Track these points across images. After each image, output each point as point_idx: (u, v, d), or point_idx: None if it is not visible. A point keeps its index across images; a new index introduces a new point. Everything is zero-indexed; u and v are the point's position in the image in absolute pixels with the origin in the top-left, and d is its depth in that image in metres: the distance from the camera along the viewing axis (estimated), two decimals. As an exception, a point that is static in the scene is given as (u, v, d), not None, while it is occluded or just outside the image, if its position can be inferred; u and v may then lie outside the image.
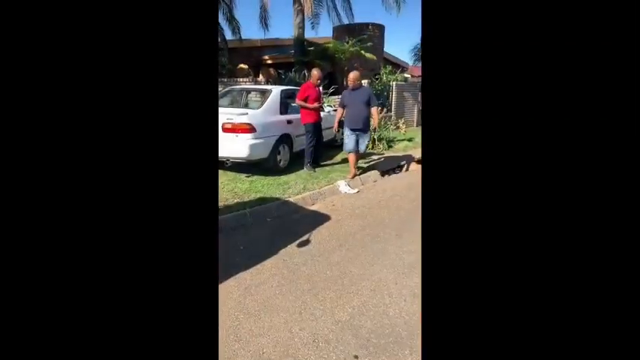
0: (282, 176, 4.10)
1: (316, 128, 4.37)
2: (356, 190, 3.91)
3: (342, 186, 3.94)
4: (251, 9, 24.45)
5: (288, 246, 2.54)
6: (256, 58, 10.72)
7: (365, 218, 3.13)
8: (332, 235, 2.74)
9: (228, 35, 8.67)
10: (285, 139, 4.25)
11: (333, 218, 3.11)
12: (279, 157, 4.20)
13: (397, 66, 11.00)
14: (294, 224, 2.99)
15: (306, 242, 2.62)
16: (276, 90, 4.39)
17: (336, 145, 5.99)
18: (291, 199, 3.40)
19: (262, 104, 4.11)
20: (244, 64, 9.62)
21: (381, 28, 10.87)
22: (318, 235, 2.75)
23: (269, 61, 10.62)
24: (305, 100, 4.23)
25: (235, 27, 8.50)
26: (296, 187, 3.72)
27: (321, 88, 7.58)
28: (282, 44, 10.85)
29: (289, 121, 4.35)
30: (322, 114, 5.21)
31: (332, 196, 3.77)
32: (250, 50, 10.52)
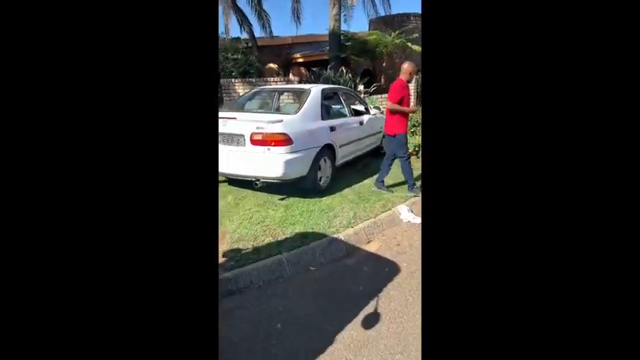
0: (324, 198, 3.23)
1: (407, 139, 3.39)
2: (422, 219, 2.96)
3: (405, 213, 3.01)
4: (277, 6, 23.85)
5: (349, 324, 1.67)
6: (285, 57, 9.97)
7: (450, 269, 2.19)
8: (410, 304, 1.83)
9: (257, 32, 7.98)
10: (326, 151, 3.38)
11: (403, 269, 2.20)
12: (320, 174, 3.34)
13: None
14: (349, 278, 2.11)
15: (375, 317, 1.73)
16: (315, 89, 3.53)
17: (384, 153, 5.05)
18: (341, 236, 2.53)
19: (300, 108, 3.26)
20: (273, 63, 8.90)
21: (423, 19, 9.75)
22: (388, 301, 1.85)
23: (300, 60, 9.82)
24: (400, 103, 3.19)
25: (265, 21, 7.77)
26: (344, 215, 2.85)
27: (362, 87, 6.73)
28: (314, 40, 10.03)
29: (332, 128, 3.48)
30: (367, 117, 4.34)
31: (392, 227, 2.85)
32: (280, 48, 9.80)
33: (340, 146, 3.62)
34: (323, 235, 2.51)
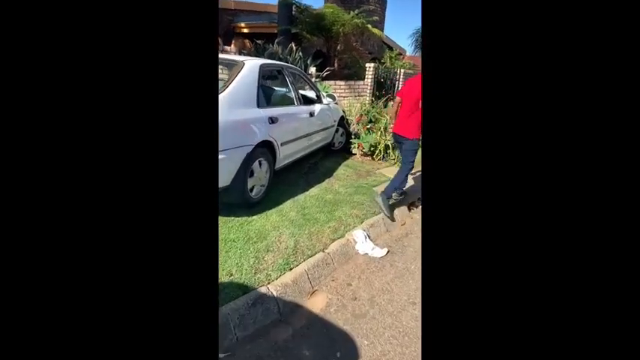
0: (255, 216, 2.35)
1: None
2: (385, 252, 2.26)
3: (361, 241, 2.27)
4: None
5: None
6: (227, 24, 8.52)
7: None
8: None
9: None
10: (262, 151, 2.47)
11: (364, 353, 1.45)
12: (252, 183, 2.42)
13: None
14: (279, 375, 1.29)
15: None
16: (252, 63, 2.56)
17: (335, 151, 4.29)
18: (272, 289, 1.68)
19: (225, 87, 2.27)
20: (212, 29, 7.47)
21: (382, 3, 9.10)
22: None
23: (244, 29, 8.47)
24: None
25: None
26: (280, 248, 2.01)
27: (313, 69, 5.82)
28: (263, 10, 8.74)
29: (273, 119, 2.56)
30: (320, 107, 3.50)
31: (345, 264, 2.10)
32: (220, 13, 8.31)
33: (282, 144, 2.73)
34: (245, 289, 1.64)
